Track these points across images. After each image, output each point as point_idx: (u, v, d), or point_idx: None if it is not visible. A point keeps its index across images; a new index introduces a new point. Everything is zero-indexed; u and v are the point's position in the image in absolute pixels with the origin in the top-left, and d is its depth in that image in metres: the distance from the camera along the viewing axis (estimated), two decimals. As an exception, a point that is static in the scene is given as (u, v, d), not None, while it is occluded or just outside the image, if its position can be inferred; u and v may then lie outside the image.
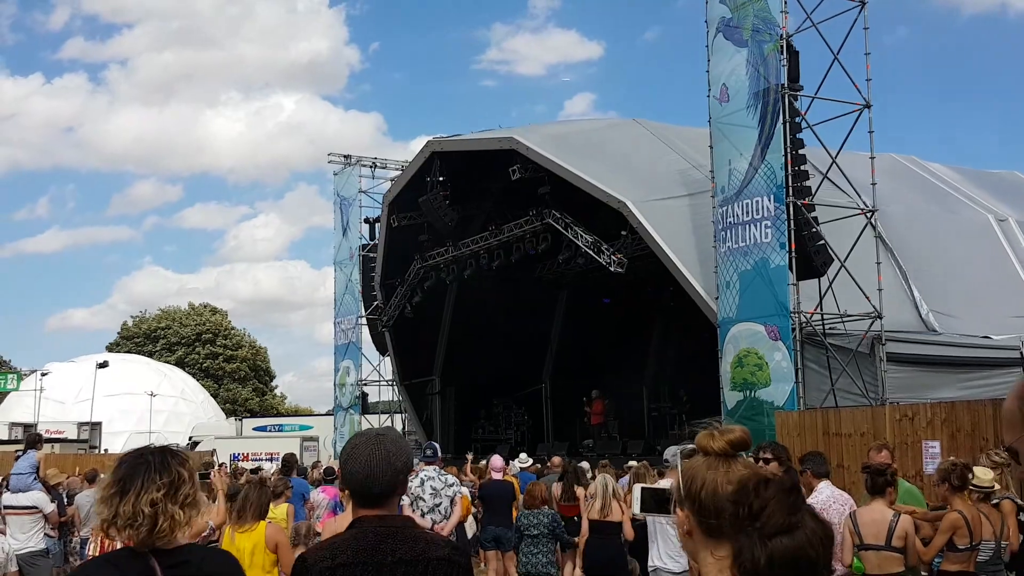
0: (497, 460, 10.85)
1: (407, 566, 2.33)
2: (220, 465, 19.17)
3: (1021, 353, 15.03)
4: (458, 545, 2.76)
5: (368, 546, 2.33)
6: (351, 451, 2.47)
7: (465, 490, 10.85)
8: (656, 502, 2.05)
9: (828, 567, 1.65)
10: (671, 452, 6.87)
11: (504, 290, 23.39)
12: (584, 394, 23.04)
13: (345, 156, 26.80)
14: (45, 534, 9.10)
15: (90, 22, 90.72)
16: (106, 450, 32.90)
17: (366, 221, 25.64)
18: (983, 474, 5.86)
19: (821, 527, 1.62)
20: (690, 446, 1.92)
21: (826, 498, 5.81)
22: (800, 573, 1.58)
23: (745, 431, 1.85)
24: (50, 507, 9.19)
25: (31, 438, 11.34)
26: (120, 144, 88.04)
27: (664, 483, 5.90)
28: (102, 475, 13.60)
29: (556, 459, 14.00)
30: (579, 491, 10.63)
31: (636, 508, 2.12)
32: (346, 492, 7.41)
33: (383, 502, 2.45)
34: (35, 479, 9.86)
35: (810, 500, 5.89)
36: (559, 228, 18.73)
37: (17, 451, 14.20)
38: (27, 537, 8.73)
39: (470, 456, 15.48)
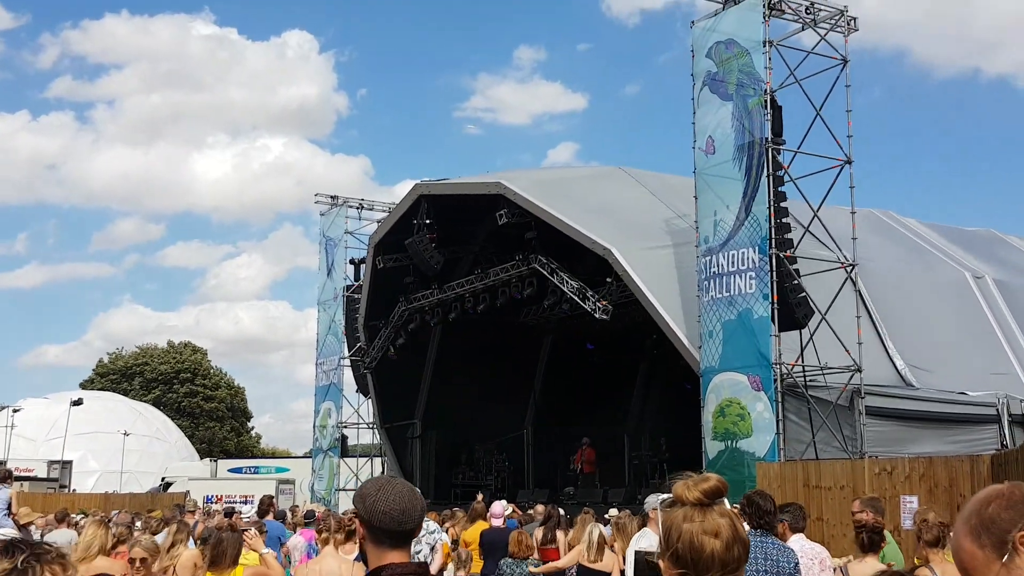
0: (498, 507, 10.74)
1: None
2: (198, 508, 18.75)
3: (997, 410, 15.19)
4: None
5: None
6: (379, 490, 2.43)
7: (446, 537, 10.74)
8: (650, 566, 2.07)
9: None
10: (650, 501, 6.86)
11: (488, 334, 23.39)
12: (566, 441, 22.93)
13: (332, 197, 26.93)
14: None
15: (78, 62, 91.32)
16: (74, 490, 32.20)
17: (351, 262, 25.67)
18: None
19: None
20: (669, 497, 1.95)
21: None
22: None
23: (720, 480, 1.88)
24: (22, 546, 8.98)
25: (1, 473, 11.13)
26: (103, 182, 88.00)
27: (648, 541, 5.82)
28: (72, 515, 13.30)
29: (539, 507, 13.89)
30: (559, 536, 10.55)
31: (629, 573, 2.15)
32: (323, 536, 7.29)
33: (408, 542, 2.43)
34: (6, 515, 9.64)
35: None
36: (545, 273, 18.85)
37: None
38: (-3, 576, 8.50)
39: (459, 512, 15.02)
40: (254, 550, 6.61)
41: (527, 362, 25.41)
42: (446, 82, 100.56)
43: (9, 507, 10.21)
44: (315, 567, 5.95)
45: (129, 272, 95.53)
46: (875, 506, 6.02)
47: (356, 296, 24.99)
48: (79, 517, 13.69)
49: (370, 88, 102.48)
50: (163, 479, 32.73)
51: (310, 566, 6.12)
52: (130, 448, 40.26)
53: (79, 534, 7.58)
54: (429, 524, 8.23)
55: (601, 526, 8.16)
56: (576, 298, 18.13)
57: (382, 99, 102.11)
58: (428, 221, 20.50)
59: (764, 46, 14.24)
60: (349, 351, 25.45)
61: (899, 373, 16.36)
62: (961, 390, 15.86)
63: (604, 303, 17.53)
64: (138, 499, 25.70)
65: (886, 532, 6.19)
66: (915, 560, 6.50)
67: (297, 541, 10.27)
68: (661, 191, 19.62)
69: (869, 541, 5.42)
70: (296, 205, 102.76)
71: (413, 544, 8.23)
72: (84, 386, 55.15)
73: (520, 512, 14.91)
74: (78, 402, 36.40)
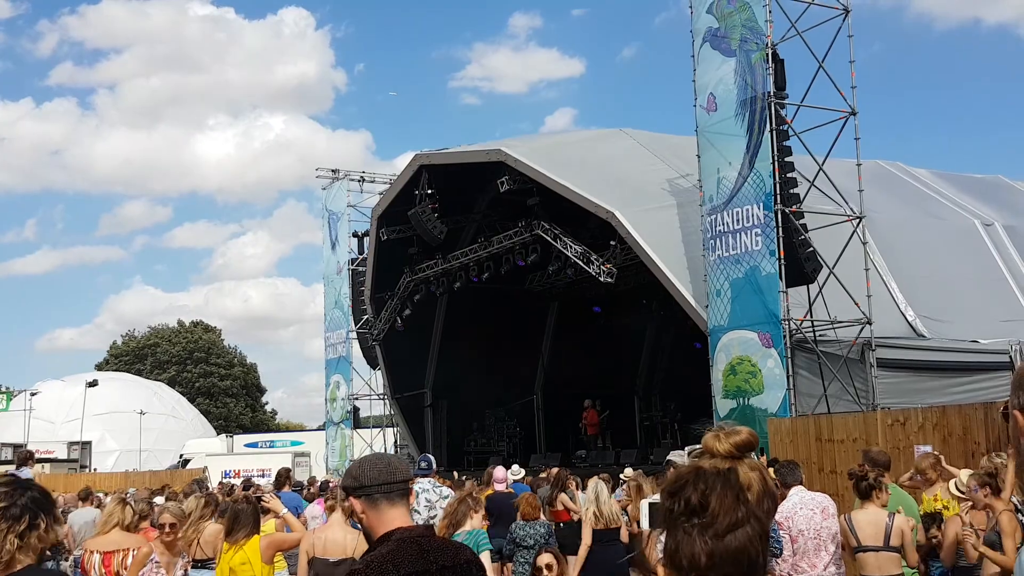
0: (500, 471, 10.82)
1: (449, 571, 2.47)
2: (219, 484, 18.98)
3: (1010, 357, 15.11)
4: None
5: (417, 556, 2.44)
6: (398, 463, 2.61)
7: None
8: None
9: (765, 563, 1.63)
10: (677, 455, 6.87)
11: (494, 302, 23.38)
12: (576, 405, 23.02)
13: (333, 171, 26.80)
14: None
15: (77, 48, 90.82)
16: (95, 469, 32.61)
17: (355, 235, 25.59)
18: (965, 477, 5.93)
19: (759, 523, 1.61)
20: (698, 448, 1.91)
21: (792, 506, 5.73)
22: (741, 571, 1.56)
23: (751, 433, 1.84)
24: (43, 526, 9.08)
25: (22, 455, 11.26)
26: (109, 166, 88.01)
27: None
28: (96, 493, 13.47)
29: (553, 470, 14.01)
30: (561, 497, 10.64)
31: (645, 524, 2.14)
32: (329, 503, 7.37)
33: None
34: (28, 498, 9.73)
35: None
36: (548, 239, 18.75)
37: (8, 471, 14.06)
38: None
39: (466, 479, 15.19)
40: (274, 511, 6.67)
41: (534, 328, 25.43)
42: (442, 53, 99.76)
43: (30, 488, 10.33)
44: (320, 535, 5.99)
45: (138, 254, 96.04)
46: (873, 459, 6.14)
47: (361, 269, 24.96)
48: (103, 495, 13.87)
49: (367, 63, 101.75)
50: (181, 456, 33.07)
51: (316, 533, 6.16)
52: (147, 427, 40.69)
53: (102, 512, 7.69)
54: (442, 490, 8.28)
55: (602, 484, 8.14)
56: (580, 263, 18.05)
57: (380, 73, 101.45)
58: (429, 191, 20.37)
59: (764, -2, 13.98)
60: (356, 324, 25.50)
61: (910, 324, 16.29)
62: (973, 338, 15.78)
63: (608, 266, 17.45)
64: (158, 476, 25.98)
65: (888, 482, 6.22)
66: (931, 504, 6.52)
67: (314, 510, 10.38)
68: (662, 151, 19.42)
69: (866, 488, 5.51)
70: (298, 182, 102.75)
71: (427, 511, 8.21)
72: (99, 368, 55.63)
73: (532, 476, 15.02)
74: (94, 383, 36.73)
